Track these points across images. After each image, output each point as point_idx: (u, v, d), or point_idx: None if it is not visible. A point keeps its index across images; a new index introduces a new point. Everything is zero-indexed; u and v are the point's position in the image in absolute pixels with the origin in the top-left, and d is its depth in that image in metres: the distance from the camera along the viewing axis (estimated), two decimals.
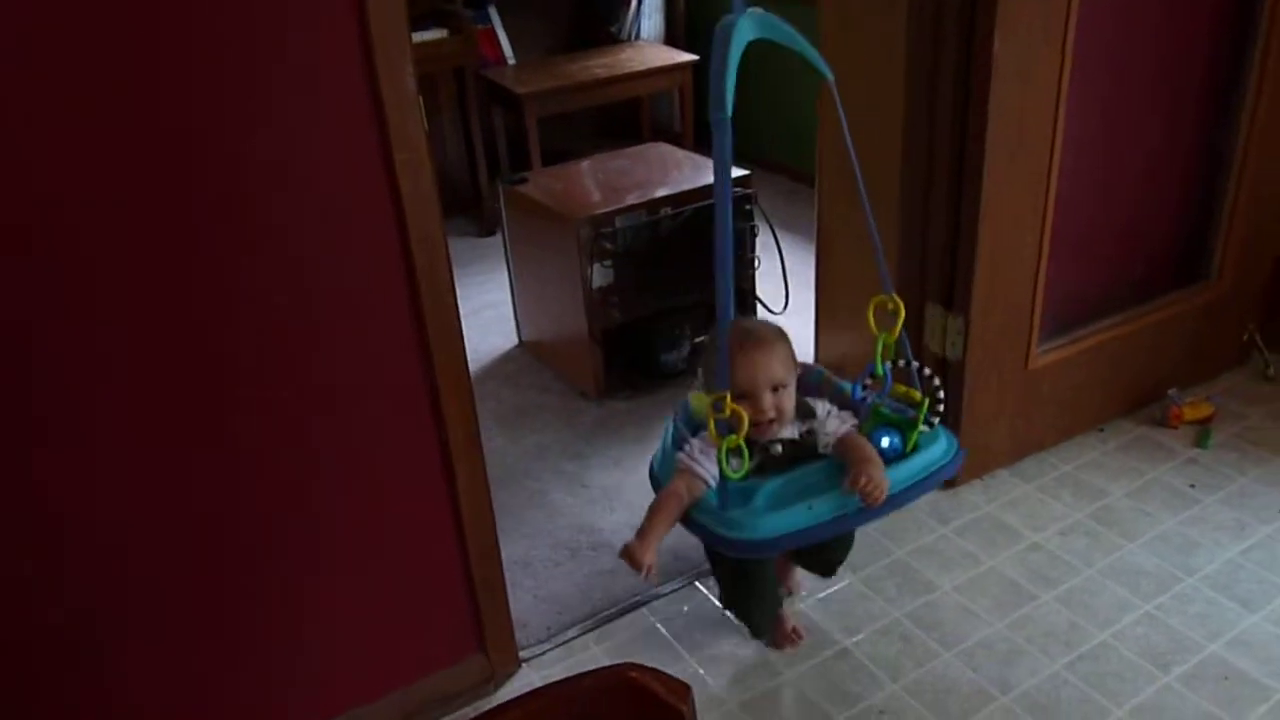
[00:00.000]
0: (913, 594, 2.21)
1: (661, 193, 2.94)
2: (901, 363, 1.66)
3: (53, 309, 1.40)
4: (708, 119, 1.46)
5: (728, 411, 1.47)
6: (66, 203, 1.36)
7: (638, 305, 2.92)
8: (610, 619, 2.21)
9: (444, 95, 4.19)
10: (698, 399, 1.74)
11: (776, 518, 1.56)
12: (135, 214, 1.41)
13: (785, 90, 4.34)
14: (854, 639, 2.11)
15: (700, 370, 1.78)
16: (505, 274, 3.43)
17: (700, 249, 2.46)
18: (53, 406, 1.45)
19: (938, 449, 1.64)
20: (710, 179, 3.01)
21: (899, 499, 1.60)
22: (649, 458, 2.69)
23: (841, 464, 1.60)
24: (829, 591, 2.23)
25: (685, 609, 2.22)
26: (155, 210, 1.43)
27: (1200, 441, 2.60)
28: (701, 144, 4.18)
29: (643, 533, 1.58)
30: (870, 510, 1.56)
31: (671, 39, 4.77)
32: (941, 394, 1.65)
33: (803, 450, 1.66)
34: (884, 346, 1.64)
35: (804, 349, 2.49)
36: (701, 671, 2.05)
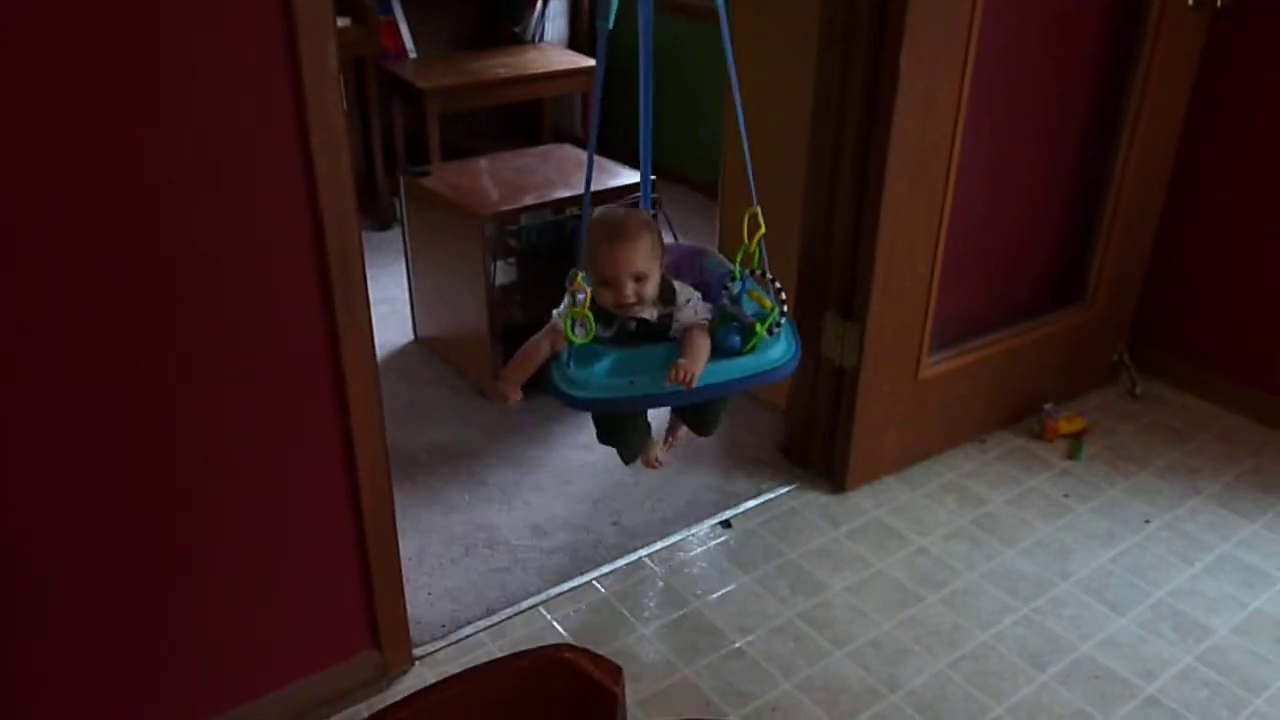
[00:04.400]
0: (805, 595, 2.26)
1: (566, 193, 2.93)
2: (759, 272, 1.78)
3: None
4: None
5: (576, 284, 1.68)
6: None
7: (539, 304, 2.88)
8: (506, 617, 2.19)
9: (343, 85, 4.08)
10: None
11: (603, 384, 1.73)
12: (51, 175, 1.34)
13: (690, 104, 4.40)
14: (748, 638, 2.14)
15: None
16: (400, 269, 3.37)
17: None
18: None
19: (774, 352, 1.76)
20: (613, 182, 3.04)
21: (720, 388, 1.76)
22: (547, 457, 2.71)
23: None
24: (724, 591, 2.26)
25: (581, 606, 2.22)
26: (66, 182, 1.36)
27: (1073, 454, 2.74)
28: (604, 147, 4.19)
29: (505, 372, 1.79)
30: (682, 393, 1.70)
31: (575, 43, 4.78)
32: (786, 306, 1.77)
33: (656, 330, 1.79)
34: (744, 254, 1.77)
35: None
36: None
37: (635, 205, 2.00)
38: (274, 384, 1.66)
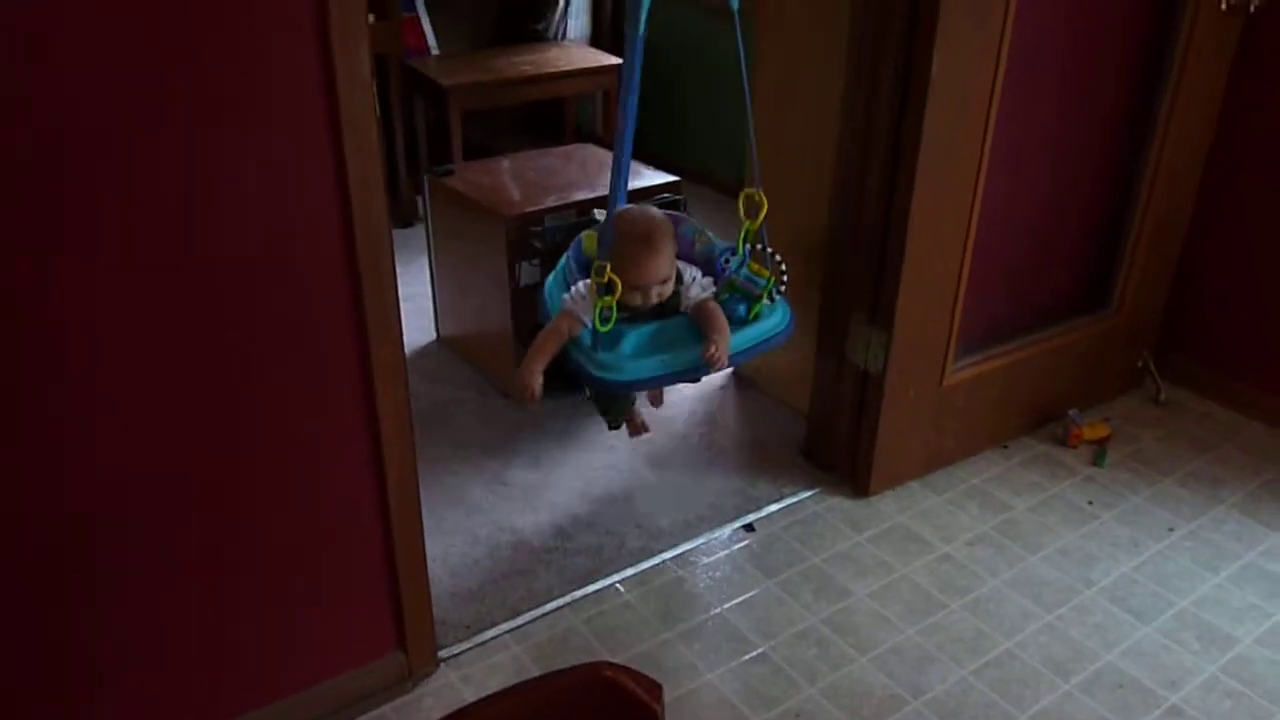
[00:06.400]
0: (828, 600, 2.26)
1: (589, 194, 2.93)
2: (759, 247, 1.91)
3: None
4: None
5: (605, 279, 1.74)
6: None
7: None
8: (530, 620, 2.20)
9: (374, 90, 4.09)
10: (590, 240, 1.99)
11: (636, 365, 1.84)
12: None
13: (716, 102, 4.39)
14: (771, 643, 2.14)
15: (597, 226, 1.96)
16: (422, 267, 3.38)
17: None
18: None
19: (774, 320, 1.92)
20: (637, 183, 3.04)
21: (735, 359, 1.90)
22: (568, 458, 2.71)
23: (695, 323, 1.88)
24: (747, 596, 2.26)
25: (605, 609, 2.22)
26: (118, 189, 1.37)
27: (1097, 461, 2.73)
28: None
29: (528, 361, 1.83)
30: (711, 367, 1.83)
31: (597, 41, 4.77)
32: (785, 275, 1.91)
33: (665, 307, 1.92)
34: (746, 232, 1.89)
35: None
36: None
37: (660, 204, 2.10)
38: (303, 384, 1.67)
